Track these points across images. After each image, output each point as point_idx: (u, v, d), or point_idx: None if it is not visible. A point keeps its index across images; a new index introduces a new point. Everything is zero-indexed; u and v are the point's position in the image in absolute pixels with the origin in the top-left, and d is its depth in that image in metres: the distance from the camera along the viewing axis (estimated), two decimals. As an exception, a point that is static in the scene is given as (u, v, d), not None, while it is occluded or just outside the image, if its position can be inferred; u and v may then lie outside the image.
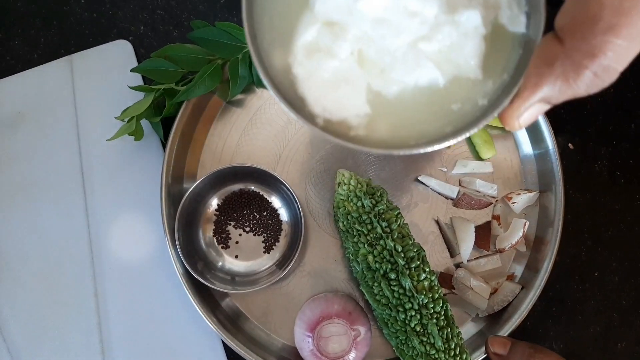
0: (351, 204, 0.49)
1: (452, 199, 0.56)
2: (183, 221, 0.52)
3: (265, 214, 0.55)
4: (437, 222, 0.56)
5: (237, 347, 0.51)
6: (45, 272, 0.55)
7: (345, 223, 0.50)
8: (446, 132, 0.28)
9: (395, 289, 0.47)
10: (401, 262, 0.47)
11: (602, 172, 0.59)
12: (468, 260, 0.55)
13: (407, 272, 0.47)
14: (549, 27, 0.26)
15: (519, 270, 0.55)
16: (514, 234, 0.54)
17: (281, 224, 0.55)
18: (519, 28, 0.28)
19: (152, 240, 0.56)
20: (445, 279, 0.54)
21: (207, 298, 0.53)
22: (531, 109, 0.26)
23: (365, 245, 0.48)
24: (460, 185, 0.56)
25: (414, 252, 0.48)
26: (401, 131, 0.28)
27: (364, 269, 0.49)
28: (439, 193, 0.56)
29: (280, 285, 0.55)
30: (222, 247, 0.55)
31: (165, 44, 0.54)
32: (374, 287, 0.48)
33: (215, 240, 0.55)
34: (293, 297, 0.54)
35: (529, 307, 0.52)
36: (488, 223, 0.55)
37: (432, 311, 0.46)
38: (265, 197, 0.56)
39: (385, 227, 0.48)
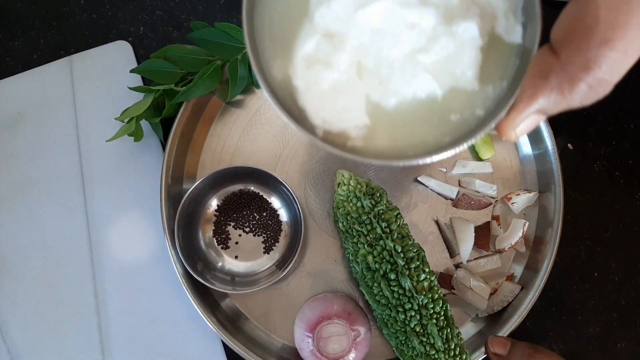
0: (351, 204, 0.49)
1: (451, 199, 0.56)
2: (183, 222, 0.52)
3: (265, 214, 0.55)
4: (437, 222, 0.56)
5: (237, 348, 0.51)
6: (45, 272, 0.55)
7: (344, 223, 0.50)
8: (445, 143, 0.28)
9: (395, 289, 0.47)
10: (401, 262, 0.47)
11: (601, 173, 0.59)
12: (468, 261, 0.55)
13: (407, 273, 0.47)
14: (545, 38, 0.27)
15: (518, 270, 0.55)
16: (514, 234, 0.54)
17: (281, 225, 0.56)
18: (516, 38, 0.28)
19: (151, 241, 0.56)
20: (445, 279, 0.54)
21: (207, 298, 0.53)
22: (527, 120, 0.27)
23: (365, 246, 0.48)
24: (459, 185, 0.57)
25: (414, 252, 0.48)
26: (400, 142, 0.29)
27: (364, 270, 0.49)
28: (438, 193, 0.56)
29: (280, 285, 0.55)
30: (222, 248, 0.55)
31: (165, 45, 0.54)
32: (373, 288, 0.48)
33: (215, 240, 0.55)
34: (293, 298, 0.54)
35: (529, 308, 0.52)
36: (487, 223, 0.56)
37: (432, 311, 0.46)
38: (265, 197, 0.56)
39: (385, 227, 0.48)
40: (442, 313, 0.47)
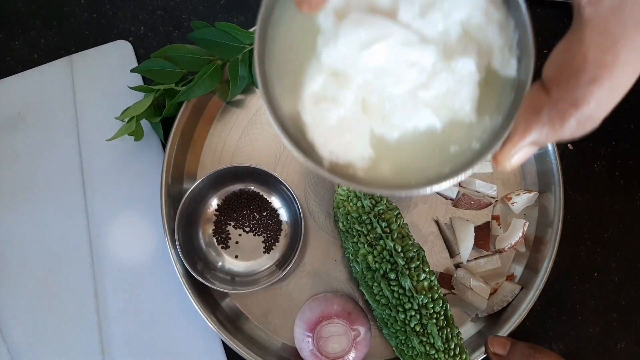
0: (351, 204, 0.50)
1: (451, 199, 0.56)
2: (183, 221, 0.52)
3: (265, 214, 0.55)
4: (437, 222, 0.56)
5: (237, 347, 0.51)
6: (45, 272, 0.55)
7: (345, 223, 0.50)
8: (445, 173, 0.30)
9: (395, 289, 0.47)
10: (401, 262, 0.47)
11: (601, 173, 0.59)
12: (468, 261, 0.55)
13: (407, 272, 0.47)
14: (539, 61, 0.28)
15: (518, 270, 0.55)
16: (514, 234, 0.54)
17: (281, 224, 0.56)
18: (511, 72, 0.29)
19: (152, 241, 0.56)
20: (445, 279, 0.54)
21: (207, 298, 0.53)
22: (521, 152, 0.28)
23: (365, 246, 0.48)
24: (459, 185, 0.57)
25: (414, 252, 0.48)
26: (403, 172, 0.30)
27: (364, 269, 0.49)
28: (438, 193, 0.56)
29: (280, 285, 0.55)
30: (222, 247, 0.55)
31: (165, 45, 0.54)
32: (373, 287, 0.48)
33: (215, 240, 0.55)
34: (293, 297, 0.54)
35: (529, 308, 0.52)
36: (488, 223, 0.56)
37: (432, 311, 0.46)
38: (265, 197, 0.56)
39: (385, 227, 0.48)
40: (442, 313, 0.47)
